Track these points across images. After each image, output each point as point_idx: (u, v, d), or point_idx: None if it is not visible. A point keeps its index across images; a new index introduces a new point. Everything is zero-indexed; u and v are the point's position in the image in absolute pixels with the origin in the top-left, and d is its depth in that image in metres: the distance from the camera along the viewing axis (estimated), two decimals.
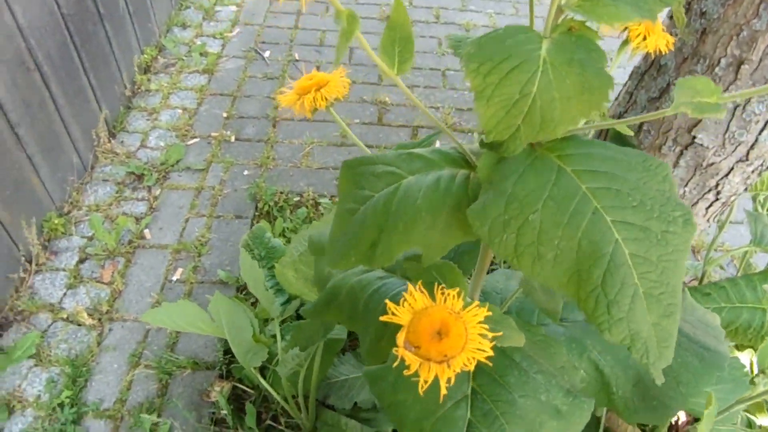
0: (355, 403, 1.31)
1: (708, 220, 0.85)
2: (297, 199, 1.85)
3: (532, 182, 0.48)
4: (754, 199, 1.17)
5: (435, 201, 0.53)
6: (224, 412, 1.36)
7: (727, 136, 0.68)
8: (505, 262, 1.46)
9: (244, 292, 1.62)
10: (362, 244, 0.55)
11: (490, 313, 0.42)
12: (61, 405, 1.38)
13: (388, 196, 0.55)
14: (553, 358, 0.63)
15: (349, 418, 1.26)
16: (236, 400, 1.41)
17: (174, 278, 1.66)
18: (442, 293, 0.42)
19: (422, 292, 0.42)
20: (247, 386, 1.42)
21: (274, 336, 1.43)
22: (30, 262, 1.65)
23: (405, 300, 0.42)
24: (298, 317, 1.50)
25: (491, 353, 0.41)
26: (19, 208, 1.61)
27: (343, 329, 1.34)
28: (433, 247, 0.54)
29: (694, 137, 0.71)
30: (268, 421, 1.37)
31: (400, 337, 0.41)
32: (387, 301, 0.43)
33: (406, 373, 0.42)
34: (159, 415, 1.38)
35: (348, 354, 1.42)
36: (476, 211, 0.49)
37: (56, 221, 1.75)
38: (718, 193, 0.75)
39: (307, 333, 1.22)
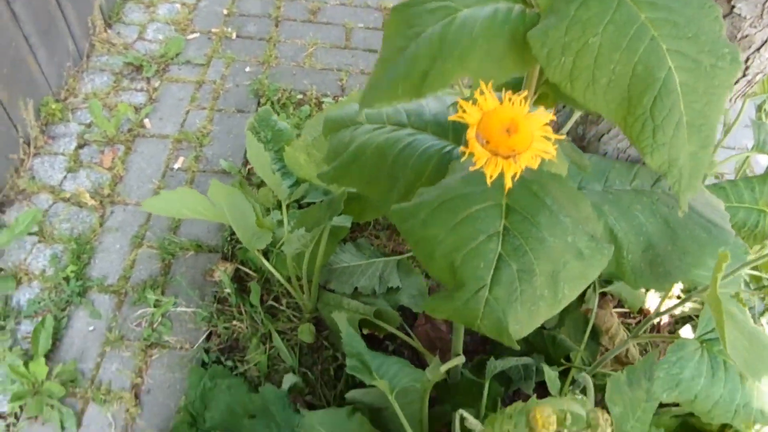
0: (356, 288, 1.37)
1: (730, 100, 0.89)
2: (300, 96, 1.85)
3: (594, 7, 0.50)
4: (759, 108, 1.21)
5: (492, 30, 0.54)
6: (227, 290, 1.41)
7: (766, 5, 0.71)
8: None
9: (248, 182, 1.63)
10: (413, 75, 0.57)
11: (554, 118, 0.45)
12: (67, 279, 1.41)
13: (443, 28, 0.57)
14: (578, 207, 0.67)
15: (350, 299, 1.32)
16: (239, 282, 1.45)
17: (175, 166, 1.66)
18: (509, 98, 0.44)
19: (491, 93, 0.44)
20: (250, 269, 1.46)
21: (278, 222, 1.47)
22: (28, 145, 1.64)
23: (474, 100, 0.44)
24: (299, 207, 1.53)
25: (554, 153, 0.44)
26: (16, 88, 1.58)
27: (347, 218, 1.38)
28: (486, 78, 0.56)
29: (733, 6, 0.73)
30: (270, 302, 1.43)
31: (471, 131, 0.43)
32: (458, 99, 0.46)
33: (472, 168, 0.45)
34: (163, 292, 1.42)
35: (349, 244, 1.47)
36: (537, 34, 0.51)
37: (53, 106, 1.72)
38: (746, 68, 0.78)
39: (314, 215, 1.25)
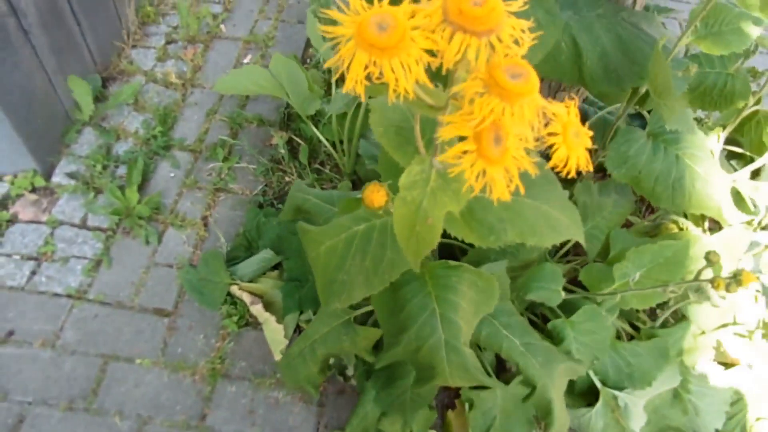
0: None
1: None
2: None
3: None
4: None
5: None
6: (282, 152, 1.69)
7: None
8: None
9: None
10: None
11: None
12: (155, 137, 1.73)
13: None
14: None
15: None
16: (291, 148, 1.73)
17: (245, 61, 1.96)
18: None
19: None
20: (301, 138, 1.74)
21: (326, 99, 1.74)
22: (128, 36, 1.97)
23: None
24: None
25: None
26: None
27: None
28: None
29: None
30: (316, 165, 1.70)
31: None
32: None
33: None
34: (230, 152, 1.72)
35: None
36: None
37: (149, 9, 2.05)
38: None
39: None
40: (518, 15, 0.88)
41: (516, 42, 0.38)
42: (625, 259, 0.95)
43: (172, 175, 1.68)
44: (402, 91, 0.37)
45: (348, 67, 0.36)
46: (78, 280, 1.48)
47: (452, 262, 0.78)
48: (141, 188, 1.63)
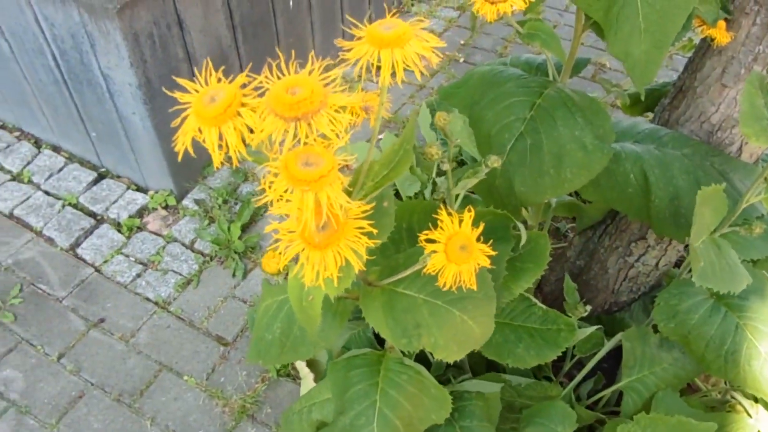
0: None
1: None
2: None
3: None
4: None
5: None
6: None
7: None
8: None
9: None
10: None
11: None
12: None
13: None
14: (597, 116, 0.86)
15: None
16: None
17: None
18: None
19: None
20: None
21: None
22: None
23: None
24: None
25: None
26: (290, 53, 2.18)
27: None
28: None
29: None
30: None
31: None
32: None
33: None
34: None
35: None
36: None
37: None
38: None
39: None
40: (573, 141, 0.86)
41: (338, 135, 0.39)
42: (634, 422, 0.83)
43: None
44: (217, 161, 0.40)
45: (182, 130, 0.41)
46: (168, 291, 1.66)
47: (408, 360, 0.75)
48: (247, 227, 1.80)
